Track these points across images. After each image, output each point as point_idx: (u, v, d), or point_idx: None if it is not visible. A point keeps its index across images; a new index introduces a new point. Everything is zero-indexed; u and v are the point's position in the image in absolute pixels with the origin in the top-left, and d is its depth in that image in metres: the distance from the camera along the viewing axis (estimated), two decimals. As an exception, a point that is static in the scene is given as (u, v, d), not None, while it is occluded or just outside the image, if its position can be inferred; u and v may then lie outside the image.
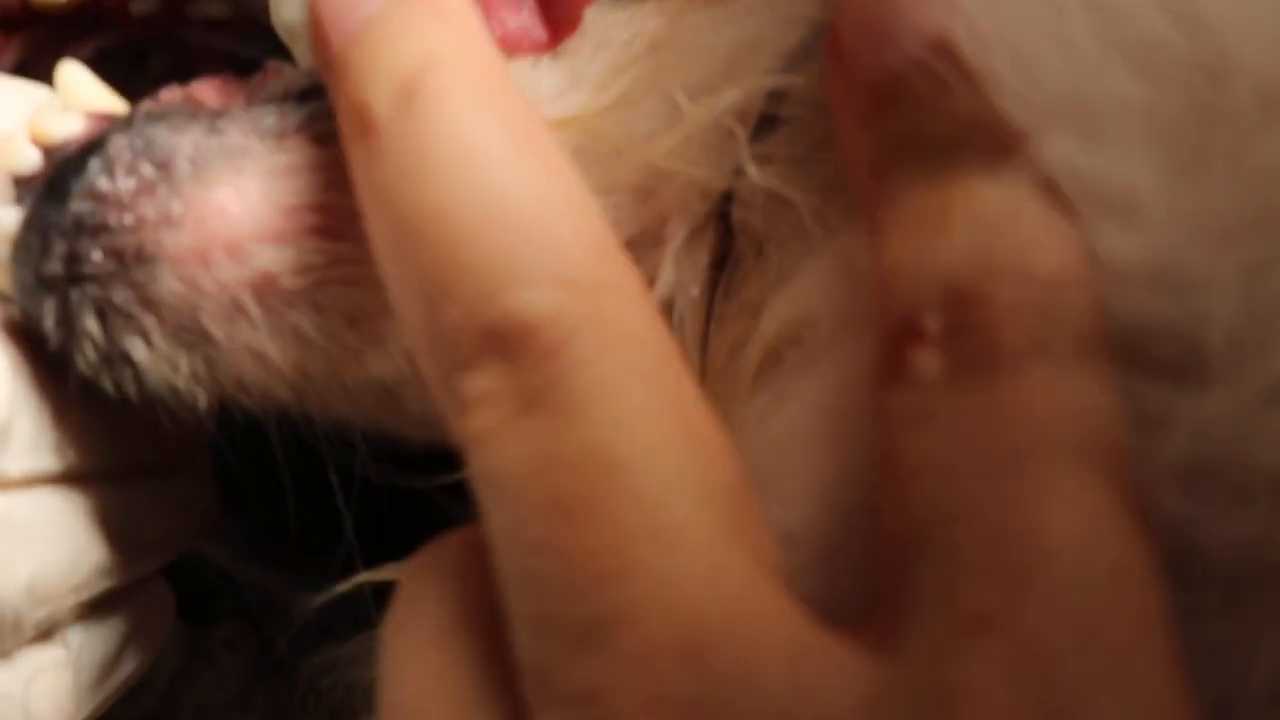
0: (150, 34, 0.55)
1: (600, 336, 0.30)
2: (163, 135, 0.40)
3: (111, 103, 0.43)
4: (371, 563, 0.44)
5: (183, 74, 0.54)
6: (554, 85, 0.43)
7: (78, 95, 0.43)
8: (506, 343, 0.30)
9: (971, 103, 0.30)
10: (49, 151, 0.41)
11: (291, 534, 0.49)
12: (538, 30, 0.43)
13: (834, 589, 0.30)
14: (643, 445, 0.29)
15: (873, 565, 0.29)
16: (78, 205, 0.40)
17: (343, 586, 0.44)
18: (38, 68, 0.55)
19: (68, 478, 0.42)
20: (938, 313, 0.29)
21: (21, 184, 0.41)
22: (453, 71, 0.32)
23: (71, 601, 0.42)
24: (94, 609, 0.43)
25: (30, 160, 0.41)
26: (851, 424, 0.32)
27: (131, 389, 0.41)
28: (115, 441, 0.43)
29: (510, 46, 0.43)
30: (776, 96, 0.39)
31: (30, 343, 0.42)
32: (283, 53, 0.54)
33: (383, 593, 0.34)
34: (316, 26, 0.35)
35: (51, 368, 0.42)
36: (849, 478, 0.32)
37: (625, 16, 0.43)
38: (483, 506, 0.30)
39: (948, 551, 0.27)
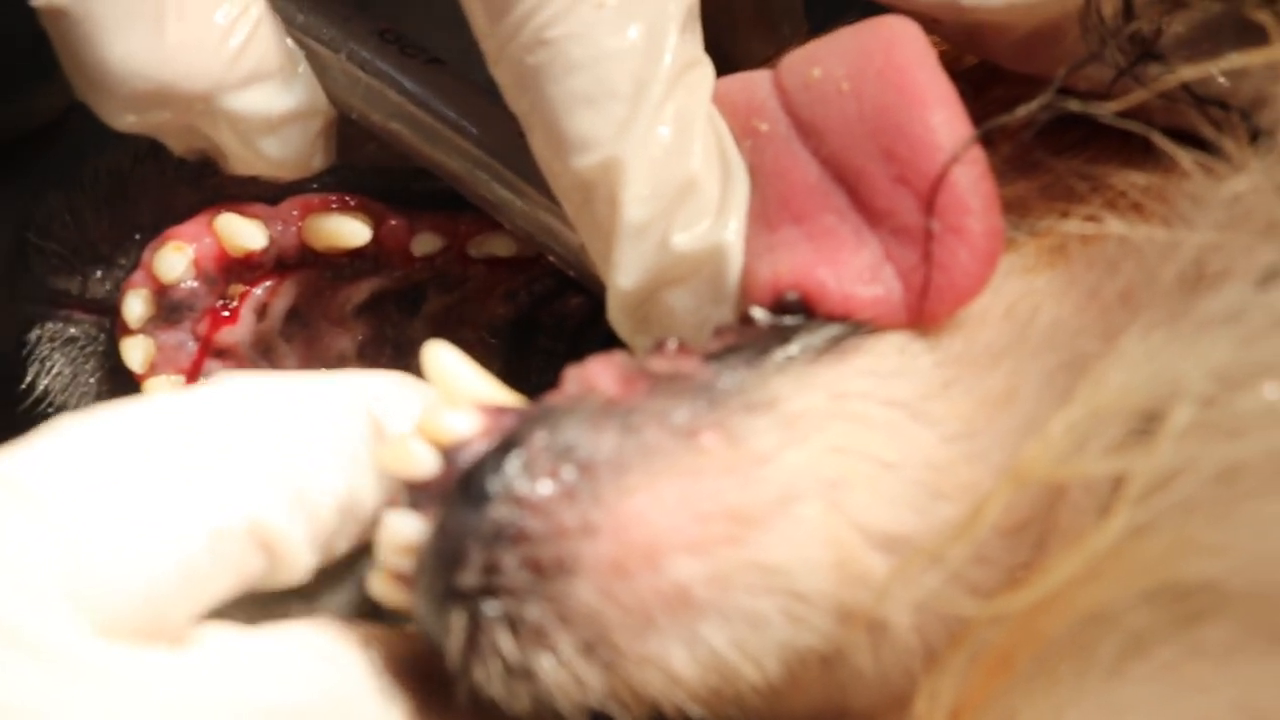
0: (429, 274, 0.54)
1: None
2: (581, 435, 0.38)
3: (497, 392, 0.40)
4: None
5: (458, 314, 0.54)
6: (923, 384, 0.41)
7: (460, 385, 0.40)
8: None
9: None
10: (447, 452, 0.39)
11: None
12: (895, 303, 0.41)
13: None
14: None
15: None
16: (497, 511, 0.37)
17: None
18: (312, 311, 0.54)
19: None
20: None
21: (418, 489, 0.39)
22: None
23: None
24: None
25: (427, 463, 0.39)
26: None
27: (525, 705, 0.39)
28: None
29: (852, 309, 0.41)
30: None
31: (413, 677, 0.39)
32: (565, 288, 0.54)
33: None
34: None
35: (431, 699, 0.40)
36: None
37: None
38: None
39: None
